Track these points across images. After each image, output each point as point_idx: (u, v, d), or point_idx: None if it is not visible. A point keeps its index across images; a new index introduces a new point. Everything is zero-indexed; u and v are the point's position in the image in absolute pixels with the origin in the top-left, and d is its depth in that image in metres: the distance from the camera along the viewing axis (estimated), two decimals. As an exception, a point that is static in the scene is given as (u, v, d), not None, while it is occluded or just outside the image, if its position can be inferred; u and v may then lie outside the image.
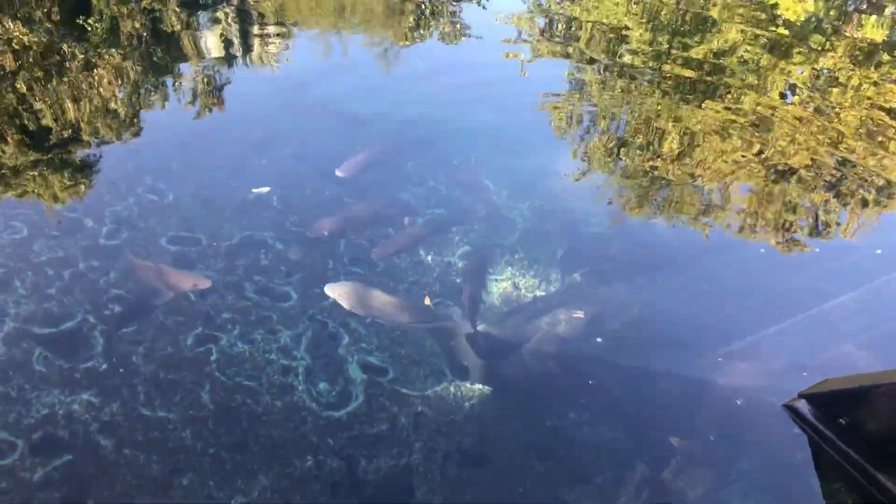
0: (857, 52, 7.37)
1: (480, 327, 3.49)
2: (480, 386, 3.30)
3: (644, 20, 8.40)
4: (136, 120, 4.70)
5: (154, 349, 3.25)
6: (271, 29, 6.84)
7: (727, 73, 6.42)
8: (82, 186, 4.09)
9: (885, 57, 7.18)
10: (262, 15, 7.18)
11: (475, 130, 5.21)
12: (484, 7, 8.30)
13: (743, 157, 4.99)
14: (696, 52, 7.23)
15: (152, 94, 5.02)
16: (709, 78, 6.23)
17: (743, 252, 3.81)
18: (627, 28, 7.93)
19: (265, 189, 4.05)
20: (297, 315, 3.53)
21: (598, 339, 3.14)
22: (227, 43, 6.33)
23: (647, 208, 4.30)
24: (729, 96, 5.84)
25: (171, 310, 3.45)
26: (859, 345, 2.85)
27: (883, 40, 7.75)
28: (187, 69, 5.49)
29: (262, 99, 5.20)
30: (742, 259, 3.72)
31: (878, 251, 3.41)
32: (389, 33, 7.09)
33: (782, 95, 6.02)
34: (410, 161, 4.71)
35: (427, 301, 3.51)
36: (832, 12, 8.79)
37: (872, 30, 8.55)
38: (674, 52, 6.97)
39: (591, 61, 6.64)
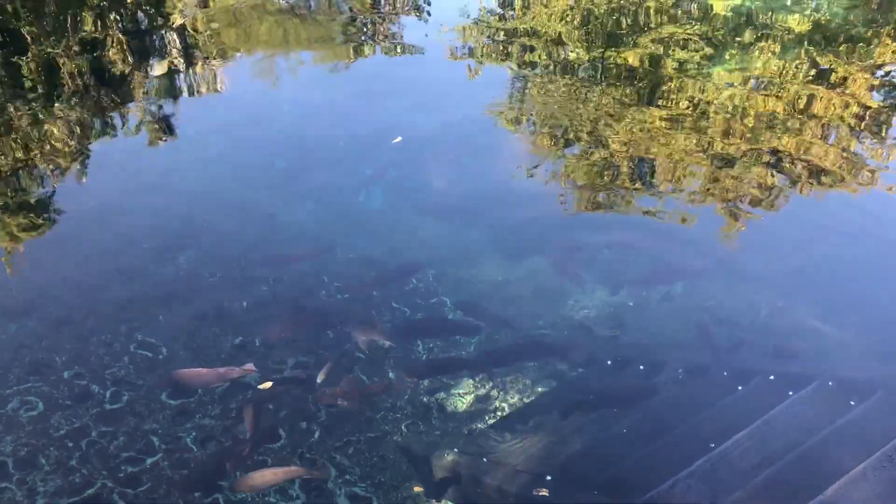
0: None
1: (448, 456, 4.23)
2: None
3: (579, 27, 9.30)
4: (117, 275, 5.42)
5: (168, 508, 3.96)
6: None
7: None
8: (82, 350, 4.80)
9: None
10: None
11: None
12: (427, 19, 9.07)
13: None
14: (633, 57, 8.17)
15: (129, 245, 5.71)
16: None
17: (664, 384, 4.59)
18: (564, 40, 8.85)
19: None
20: (288, 456, 4.25)
21: (548, 478, 3.85)
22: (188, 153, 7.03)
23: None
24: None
25: (176, 463, 4.17)
26: (756, 486, 3.56)
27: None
28: (157, 204, 6.19)
29: (229, 235, 5.89)
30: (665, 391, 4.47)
31: (772, 377, 4.17)
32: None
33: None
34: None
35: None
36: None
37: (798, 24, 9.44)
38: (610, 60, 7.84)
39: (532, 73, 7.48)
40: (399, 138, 6.63)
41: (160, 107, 7.72)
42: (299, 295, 5.24)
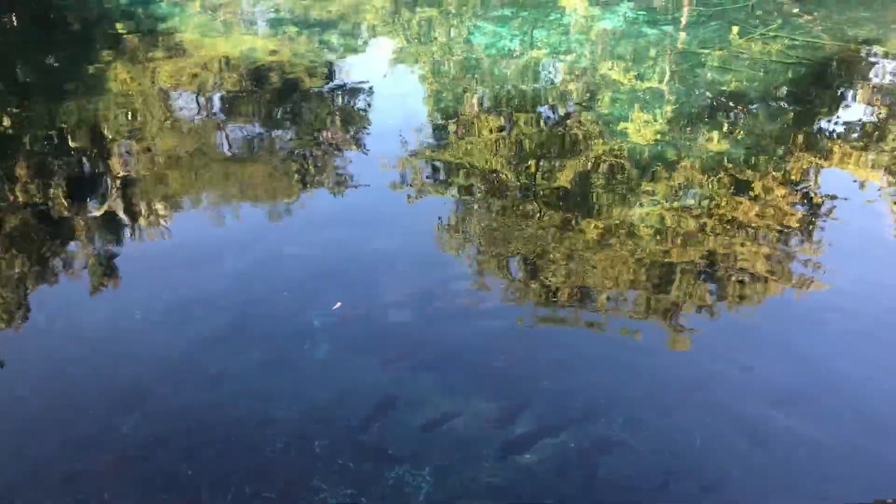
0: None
1: None
2: None
3: (512, 155, 9.99)
4: (61, 446, 5.58)
5: None
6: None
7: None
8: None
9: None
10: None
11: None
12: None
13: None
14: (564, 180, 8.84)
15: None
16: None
17: None
18: (497, 167, 9.53)
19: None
20: None
21: None
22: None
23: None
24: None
25: None
26: None
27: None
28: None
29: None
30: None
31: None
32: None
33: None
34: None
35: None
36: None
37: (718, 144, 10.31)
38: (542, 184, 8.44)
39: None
40: (339, 304, 7.06)
41: (101, 257, 8.01)
42: (244, 456, 5.47)
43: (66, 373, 6.29)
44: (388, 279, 7.63)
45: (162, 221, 8.87)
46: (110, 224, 8.69)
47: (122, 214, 8.89)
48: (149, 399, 5.95)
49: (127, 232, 8.59)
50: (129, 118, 11.21)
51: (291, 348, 6.56)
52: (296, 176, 9.93)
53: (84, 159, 10.26)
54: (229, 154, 10.53)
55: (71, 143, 10.52)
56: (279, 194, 9.58)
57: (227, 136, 10.99)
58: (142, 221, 8.83)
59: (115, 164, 10.09)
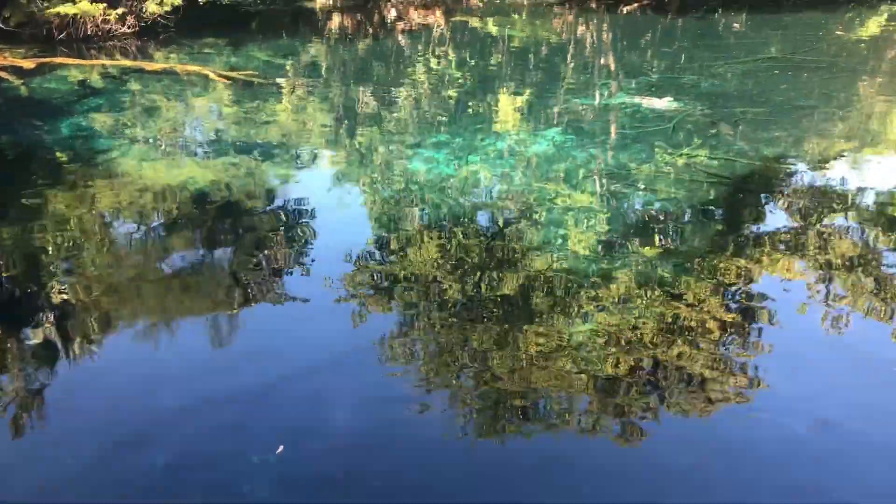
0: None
1: None
2: None
3: (454, 268, 10.07)
4: None
5: None
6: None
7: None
8: None
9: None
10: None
11: None
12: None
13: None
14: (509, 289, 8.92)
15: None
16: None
17: None
18: (440, 280, 9.58)
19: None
20: None
21: None
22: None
23: None
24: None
25: None
26: None
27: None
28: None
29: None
30: None
31: None
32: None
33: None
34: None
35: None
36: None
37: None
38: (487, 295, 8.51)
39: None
40: (281, 448, 6.88)
41: (29, 392, 7.68)
42: None
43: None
44: (330, 406, 7.51)
45: (94, 354, 8.62)
46: (41, 357, 8.43)
47: (53, 347, 8.65)
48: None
49: (59, 366, 8.33)
50: (66, 248, 11.02)
51: (230, 493, 6.29)
52: (236, 304, 9.83)
53: (16, 289, 9.99)
54: (167, 283, 10.40)
55: (3, 272, 10.27)
56: (218, 323, 9.43)
57: (164, 265, 10.87)
58: (73, 354, 8.57)
59: (49, 293, 9.84)
